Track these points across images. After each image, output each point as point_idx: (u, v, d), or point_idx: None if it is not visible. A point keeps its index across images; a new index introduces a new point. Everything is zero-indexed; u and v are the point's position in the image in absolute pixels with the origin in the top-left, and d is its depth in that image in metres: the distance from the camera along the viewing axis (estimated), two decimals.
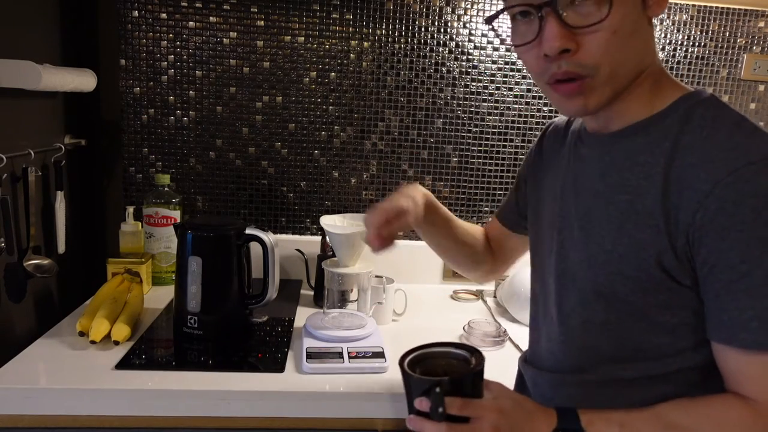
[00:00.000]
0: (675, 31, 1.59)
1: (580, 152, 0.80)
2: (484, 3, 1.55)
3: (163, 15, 1.50)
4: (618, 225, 0.71)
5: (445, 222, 1.00)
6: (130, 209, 1.48)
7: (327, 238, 1.43)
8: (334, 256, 1.35)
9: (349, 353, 1.12)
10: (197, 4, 1.50)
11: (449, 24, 1.56)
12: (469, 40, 1.57)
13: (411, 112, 1.60)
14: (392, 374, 1.09)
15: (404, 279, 1.54)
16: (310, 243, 1.58)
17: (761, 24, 1.60)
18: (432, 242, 1.02)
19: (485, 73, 1.59)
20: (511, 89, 1.60)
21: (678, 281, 0.67)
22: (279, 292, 1.25)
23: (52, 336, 1.18)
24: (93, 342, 1.11)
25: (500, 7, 0.72)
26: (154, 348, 1.16)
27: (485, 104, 1.61)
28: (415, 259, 1.64)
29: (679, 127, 0.68)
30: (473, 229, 1.06)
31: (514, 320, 1.42)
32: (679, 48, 1.60)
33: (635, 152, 0.71)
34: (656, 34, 1.59)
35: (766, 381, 0.63)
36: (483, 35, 1.57)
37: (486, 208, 1.67)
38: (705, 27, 1.59)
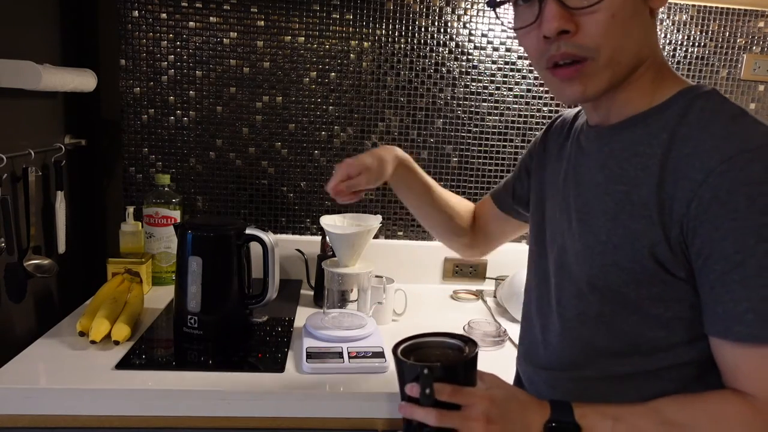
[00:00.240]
0: (675, 31, 1.59)
1: (581, 144, 0.80)
2: (484, 3, 1.55)
3: (163, 15, 1.50)
4: (613, 216, 0.71)
5: (422, 186, 1.06)
6: (130, 209, 1.49)
7: (327, 238, 1.43)
8: (334, 256, 1.35)
9: (349, 353, 1.12)
10: (197, 4, 1.50)
11: (449, 24, 1.56)
12: (469, 40, 1.57)
13: (411, 112, 1.60)
14: (392, 374, 1.09)
15: (404, 279, 1.54)
16: (310, 243, 1.58)
17: (761, 24, 1.60)
18: (409, 204, 1.09)
19: (485, 73, 1.59)
20: (511, 89, 1.60)
21: (672, 273, 0.67)
22: (279, 292, 1.25)
23: (52, 336, 1.18)
24: (93, 342, 1.11)
25: None
26: (154, 348, 1.16)
27: (485, 104, 1.61)
28: (415, 259, 1.64)
29: (677, 119, 0.68)
30: (457, 201, 1.11)
31: (514, 320, 1.41)
32: (679, 48, 1.60)
33: (634, 143, 0.71)
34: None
35: (763, 375, 0.62)
36: (483, 35, 1.57)
37: None
38: (705, 27, 1.59)
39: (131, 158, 1.57)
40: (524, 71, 1.59)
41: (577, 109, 0.89)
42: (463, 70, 1.58)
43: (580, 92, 0.69)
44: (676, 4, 1.57)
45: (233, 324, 1.23)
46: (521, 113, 1.62)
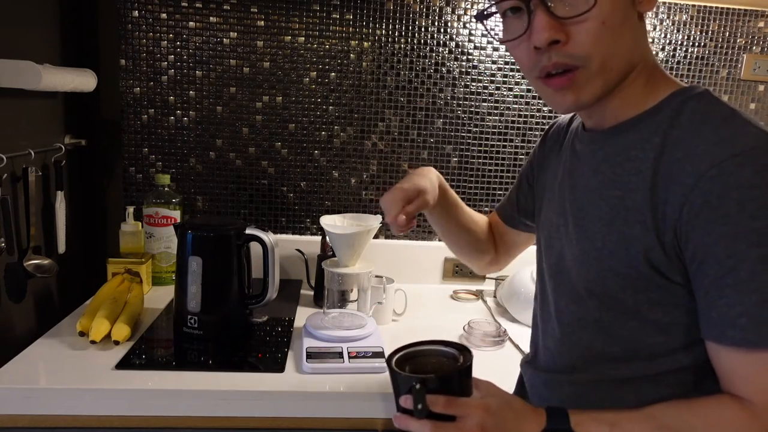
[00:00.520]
0: (675, 31, 1.59)
1: (576, 149, 0.80)
2: (484, 3, 1.54)
3: (163, 15, 1.50)
4: (608, 221, 0.71)
5: (454, 206, 1.01)
6: (130, 209, 1.49)
7: (327, 238, 1.43)
8: (334, 256, 1.35)
9: (349, 353, 1.12)
10: (197, 4, 1.50)
11: (449, 24, 1.56)
12: (469, 40, 1.57)
13: (411, 112, 1.60)
14: None
15: (404, 279, 1.54)
16: (310, 243, 1.58)
17: (761, 24, 1.60)
18: (440, 225, 1.03)
19: (485, 73, 1.59)
20: (511, 89, 1.60)
21: (668, 278, 0.66)
22: (279, 292, 1.25)
23: (52, 336, 1.18)
24: (93, 342, 1.11)
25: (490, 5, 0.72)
26: (154, 348, 1.16)
27: (485, 104, 1.61)
28: (415, 259, 1.64)
29: (669, 122, 0.68)
30: (478, 217, 1.07)
31: (514, 320, 1.41)
32: (679, 48, 1.60)
33: (627, 148, 0.71)
34: (656, 34, 1.59)
35: (760, 380, 0.62)
36: (483, 35, 1.57)
37: (486, 208, 1.67)
38: (705, 27, 1.59)
39: (131, 158, 1.57)
40: None
41: (571, 114, 0.89)
42: (463, 70, 1.58)
43: (574, 101, 0.69)
44: (676, 4, 1.57)
45: (233, 324, 1.23)
46: (521, 113, 1.62)
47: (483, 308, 1.52)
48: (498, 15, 0.73)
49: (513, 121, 1.62)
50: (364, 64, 1.56)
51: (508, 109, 1.61)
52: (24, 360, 1.08)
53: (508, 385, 0.95)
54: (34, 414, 0.98)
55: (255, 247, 1.23)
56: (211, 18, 1.51)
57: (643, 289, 0.68)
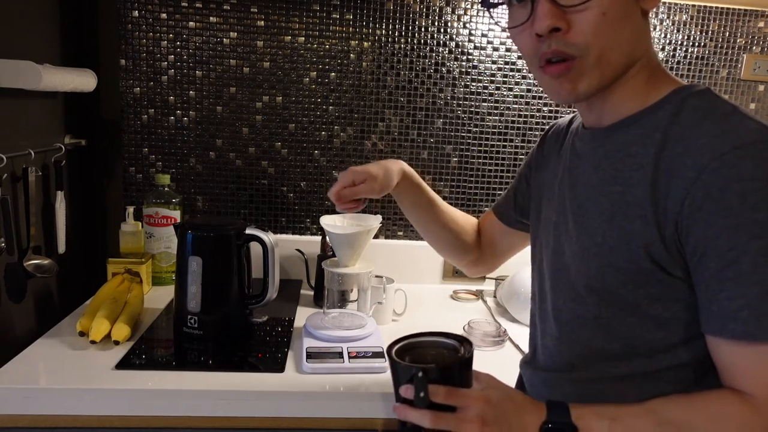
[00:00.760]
0: (675, 31, 1.59)
1: (576, 147, 0.80)
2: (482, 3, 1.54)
3: (163, 15, 1.50)
4: (609, 217, 0.71)
5: (427, 202, 1.05)
6: (130, 209, 1.49)
7: (327, 238, 1.43)
8: (334, 256, 1.35)
9: (349, 353, 1.12)
10: (197, 4, 1.50)
11: (449, 24, 1.56)
12: (469, 40, 1.57)
13: (411, 112, 1.60)
14: None
15: (404, 279, 1.54)
16: (310, 243, 1.58)
17: (761, 24, 1.60)
18: (413, 220, 1.08)
19: (485, 73, 1.59)
20: (511, 89, 1.60)
21: (669, 272, 0.67)
22: (279, 292, 1.25)
23: (52, 336, 1.18)
24: (93, 342, 1.11)
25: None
26: (154, 348, 1.16)
27: (485, 104, 1.61)
28: (415, 259, 1.64)
29: (670, 118, 0.68)
30: (462, 218, 1.09)
31: (514, 320, 1.42)
32: (679, 48, 1.60)
33: (627, 144, 0.71)
34: (656, 34, 1.59)
35: (761, 373, 0.62)
36: (483, 35, 1.57)
37: (486, 208, 1.67)
38: (705, 27, 1.59)
39: (131, 158, 1.57)
40: (524, 71, 1.59)
41: (571, 115, 0.90)
42: (463, 70, 1.58)
43: (570, 90, 0.70)
44: (676, 4, 1.57)
45: (233, 324, 1.23)
46: (521, 113, 1.62)
47: (483, 308, 1.52)
48: (503, 6, 0.73)
49: (513, 121, 1.62)
50: (364, 64, 1.56)
51: (508, 109, 1.61)
52: (24, 360, 1.08)
53: (513, 386, 0.95)
54: (34, 414, 0.98)
55: (255, 247, 1.23)
56: (211, 18, 1.51)
57: (643, 284, 0.68)
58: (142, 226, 1.50)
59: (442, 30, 1.56)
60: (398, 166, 1.01)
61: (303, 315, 1.33)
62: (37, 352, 1.11)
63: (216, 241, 1.20)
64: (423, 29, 1.56)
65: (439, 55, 1.57)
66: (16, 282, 1.19)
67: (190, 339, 1.19)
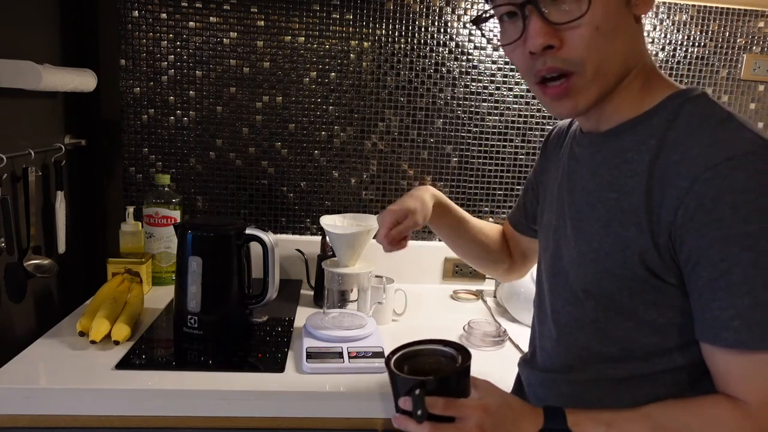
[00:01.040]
0: (675, 31, 1.59)
1: (574, 152, 0.81)
2: (484, 4, 1.54)
3: (163, 15, 1.50)
4: (605, 223, 0.71)
5: (457, 221, 1.04)
6: (130, 209, 1.49)
7: (327, 238, 1.43)
8: (334, 256, 1.35)
9: (349, 353, 1.12)
10: (197, 4, 1.50)
11: (449, 24, 1.56)
12: (469, 40, 1.57)
13: (411, 112, 1.60)
14: None
15: (404, 279, 1.54)
16: (310, 243, 1.58)
17: (761, 24, 1.60)
18: (446, 240, 1.07)
19: (485, 73, 1.59)
20: (511, 89, 1.60)
21: (663, 279, 0.67)
22: (279, 292, 1.25)
23: (52, 336, 1.18)
24: (93, 342, 1.11)
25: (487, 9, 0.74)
26: (154, 348, 1.16)
27: (485, 104, 1.61)
28: (415, 259, 1.64)
29: (666, 124, 0.68)
30: (489, 229, 1.08)
31: (514, 320, 1.42)
32: (679, 48, 1.60)
33: (623, 150, 0.71)
34: (656, 34, 1.59)
35: (753, 381, 0.62)
36: (483, 35, 1.57)
37: (486, 208, 1.67)
38: (705, 27, 1.59)
39: (131, 158, 1.57)
40: None
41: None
42: (463, 70, 1.58)
43: (572, 108, 0.70)
44: (676, 4, 1.57)
45: (233, 324, 1.23)
46: (521, 113, 1.62)
47: (483, 308, 1.52)
48: (495, 19, 0.74)
49: (513, 121, 1.62)
50: (364, 64, 1.56)
51: (508, 109, 1.61)
52: (24, 360, 1.08)
53: (508, 385, 0.96)
54: (34, 414, 0.98)
55: (255, 247, 1.23)
56: (211, 18, 1.51)
57: (638, 291, 0.69)
58: (142, 226, 1.50)
59: (442, 30, 1.56)
60: (429, 192, 1.00)
61: (303, 315, 1.33)
62: (37, 352, 1.11)
63: (216, 241, 1.20)
64: (423, 29, 1.56)
65: (439, 55, 1.57)
66: (16, 282, 1.19)
67: (190, 339, 1.19)
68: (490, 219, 1.67)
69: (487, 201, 1.66)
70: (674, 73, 1.61)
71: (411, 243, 1.62)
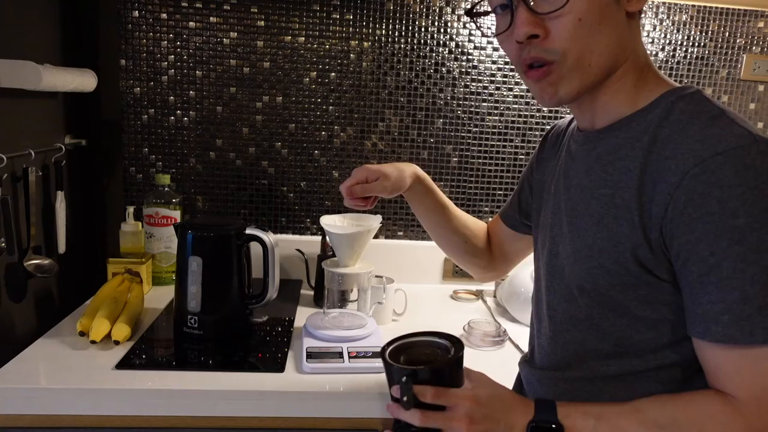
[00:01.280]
0: (675, 31, 1.59)
1: (570, 149, 0.82)
2: (484, 3, 1.54)
3: (164, 15, 1.50)
4: (598, 219, 0.72)
5: (439, 206, 1.05)
6: (131, 209, 1.49)
7: (327, 238, 1.43)
8: (334, 256, 1.35)
9: (349, 353, 1.12)
10: (197, 5, 1.50)
11: (449, 24, 1.56)
12: (469, 40, 1.57)
13: (411, 112, 1.60)
14: None
15: (404, 279, 1.54)
16: (310, 243, 1.58)
17: (761, 24, 1.60)
18: (425, 222, 1.09)
19: (485, 73, 1.59)
20: (511, 89, 1.61)
21: (655, 275, 0.67)
22: (279, 292, 1.26)
23: (53, 336, 1.18)
24: (93, 342, 1.11)
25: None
26: (154, 348, 1.16)
27: (485, 104, 1.61)
28: (415, 259, 1.64)
29: (659, 121, 0.69)
30: (473, 223, 1.09)
31: (514, 320, 1.42)
32: (679, 48, 1.60)
33: (617, 147, 0.72)
34: (656, 34, 1.59)
35: (743, 375, 0.63)
36: (483, 35, 1.57)
37: (486, 208, 1.67)
38: (705, 27, 1.59)
39: (131, 158, 1.57)
40: None
41: (570, 117, 0.91)
42: (463, 70, 1.58)
43: (552, 94, 0.71)
44: (676, 4, 1.57)
45: (233, 324, 1.23)
46: (521, 113, 1.62)
47: (483, 308, 1.52)
48: (491, 12, 0.76)
49: (513, 121, 1.62)
50: (364, 64, 1.56)
51: (508, 109, 1.62)
52: (24, 360, 1.08)
53: (507, 385, 0.95)
54: (35, 414, 0.98)
55: (255, 247, 1.23)
56: (211, 18, 1.52)
57: (631, 287, 0.69)
58: (142, 226, 1.50)
59: (442, 30, 1.56)
60: (412, 169, 1.02)
61: (303, 315, 1.33)
62: (37, 352, 1.11)
63: (216, 241, 1.20)
64: (423, 29, 1.56)
65: (439, 55, 1.57)
66: (16, 282, 1.19)
67: (190, 339, 1.19)
68: (490, 219, 1.67)
69: (487, 201, 1.66)
70: (674, 73, 1.61)
71: (411, 243, 1.64)
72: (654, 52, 1.60)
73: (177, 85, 1.54)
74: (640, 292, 0.69)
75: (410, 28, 1.55)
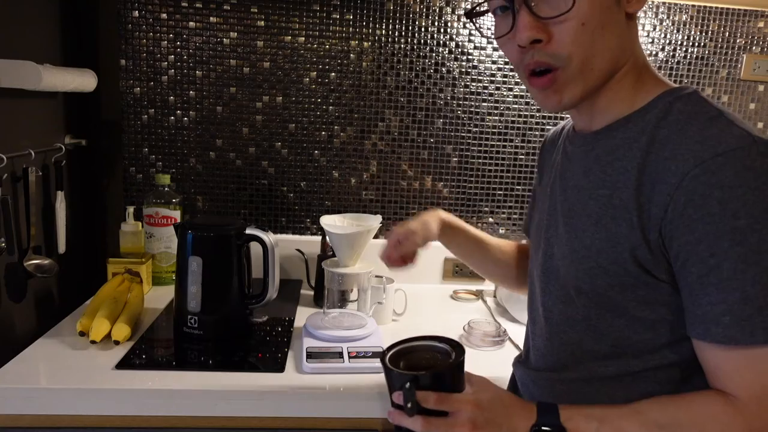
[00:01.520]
0: (675, 31, 1.59)
1: (567, 151, 0.81)
2: (484, 3, 1.54)
3: (164, 15, 1.50)
4: (596, 219, 0.72)
5: (472, 242, 1.06)
6: (131, 209, 1.49)
7: (327, 238, 1.43)
8: (334, 256, 1.35)
9: (349, 353, 1.12)
10: (197, 4, 1.50)
11: (449, 24, 1.56)
12: (469, 40, 1.57)
13: (411, 112, 1.60)
14: None
15: (404, 279, 1.54)
16: (310, 243, 1.58)
17: (761, 24, 1.60)
18: (466, 262, 1.11)
19: (485, 73, 1.59)
20: (511, 89, 1.61)
21: (654, 276, 0.67)
22: (279, 292, 1.26)
23: (53, 336, 1.18)
24: (93, 342, 1.11)
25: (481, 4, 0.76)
26: (154, 348, 1.16)
27: (485, 104, 1.61)
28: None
29: (656, 121, 0.69)
30: (507, 246, 1.09)
31: (514, 320, 1.42)
32: (679, 48, 1.60)
33: (615, 148, 0.72)
34: (656, 35, 1.59)
35: (744, 376, 0.63)
36: (483, 36, 1.56)
37: (486, 208, 1.67)
38: (705, 27, 1.59)
39: (131, 158, 1.57)
40: None
41: (566, 120, 0.91)
42: (463, 70, 1.58)
43: (557, 101, 0.71)
44: (676, 4, 1.57)
45: (233, 324, 1.23)
46: (521, 113, 1.62)
47: (483, 308, 1.52)
48: (490, 14, 0.76)
49: (513, 121, 1.62)
50: (364, 64, 1.56)
51: (508, 109, 1.62)
52: (24, 360, 1.08)
53: (503, 385, 0.96)
54: (35, 414, 0.98)
55: (255, 247, 1.23)
56: (211, 18, 1.52)
57: (630, 287, 0.69)
58: (142, 226, 1.50)
59: (442, 30, 1.56)
60: (436, 215, 1.03)
61: (303, 315, 1.33)
62: (37, 352, 1.11)
63: (216, 241, 1.20)
64: (423, 29, 1.56)
65: (439, 55, 1.57)
66: (16, 282, 1.19)
67: (190, 339, 1.19)
68: (490, 219, 1.67)
69: (487, 201, 1.66)
70: (674, 73, 1.61)
71: None
72: (654, 52, 1.60)
73: (177, 85, 1.54)
74: (638, 293, 0.69)
75: (410, 28, 1.55)
